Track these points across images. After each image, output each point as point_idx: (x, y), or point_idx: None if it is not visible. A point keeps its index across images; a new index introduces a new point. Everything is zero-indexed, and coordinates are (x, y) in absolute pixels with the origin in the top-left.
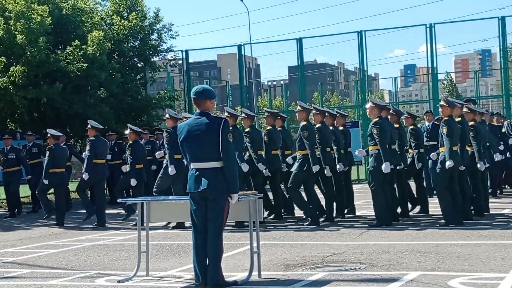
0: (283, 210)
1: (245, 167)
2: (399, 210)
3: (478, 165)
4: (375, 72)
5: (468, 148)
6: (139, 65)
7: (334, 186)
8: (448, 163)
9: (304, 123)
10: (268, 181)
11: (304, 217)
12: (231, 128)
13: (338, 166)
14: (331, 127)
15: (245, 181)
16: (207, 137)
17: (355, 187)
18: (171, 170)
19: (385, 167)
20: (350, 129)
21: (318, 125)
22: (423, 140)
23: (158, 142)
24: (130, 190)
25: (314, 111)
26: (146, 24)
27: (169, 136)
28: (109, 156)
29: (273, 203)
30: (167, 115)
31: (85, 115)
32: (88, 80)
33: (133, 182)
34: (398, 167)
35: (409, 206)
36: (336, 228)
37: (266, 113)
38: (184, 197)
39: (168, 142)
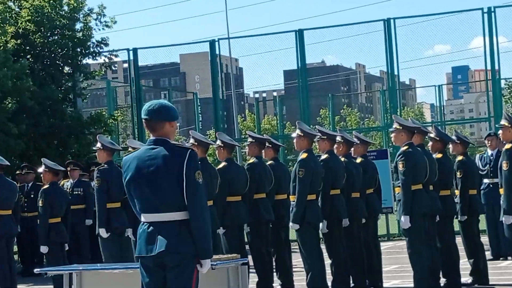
0: (280, 282)
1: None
2: (443, 280)
3: None
4: (410, 78)
5: None
6: (65, 71)
7: (344, 248)
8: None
9: (304, 155)
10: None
11: None
12: (200, 162)
13: (343, 221)
14: (344, 159)
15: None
16: (166, 176)
17: (384, 246)
18: (102, 231)
19: (404, 221)
20: (375, 161)
21: (324, 157)
22: (476, 177)
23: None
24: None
25: (319, 136)
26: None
27: (101, 178)
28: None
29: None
30: (98, 145)
31: None
32: None
33: (43, 249)
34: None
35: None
36: None
37: (250, 139)
38: (132, 265)
39: (98, 186)
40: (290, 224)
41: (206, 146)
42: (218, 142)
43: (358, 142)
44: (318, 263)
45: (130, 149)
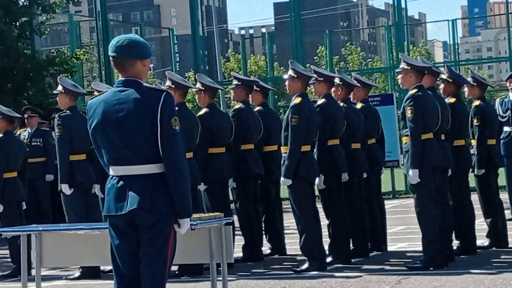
0: (270, 245)
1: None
2: (456, 242)
3: None
4: (419, 12)
5: None
6: (21, 3)
7: (343, 207)
8: None
9: (298, 100)
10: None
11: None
12: (177, 108)
13: (343, 176)
14: (342, 104)
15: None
16: (137, 122)
17: (388, 204)
18: (64, 187)
19: (412, 175)
20: (379, 107)
21: (320, 102)
22: (495, 125)
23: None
24: None
25: (315, 78)
26: None
27: (63, 125)
28: None
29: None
30: (59, 88)
31: None
32: None
33: None
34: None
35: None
36: (356, 273)
37: (235, 82)
38: (99, 225)
39: (60, 135)
40: (282, 179)
41: (184, 89)
42: (198, 85)
43: (359, 85)
44: (313, 224)
45: (96, 92)
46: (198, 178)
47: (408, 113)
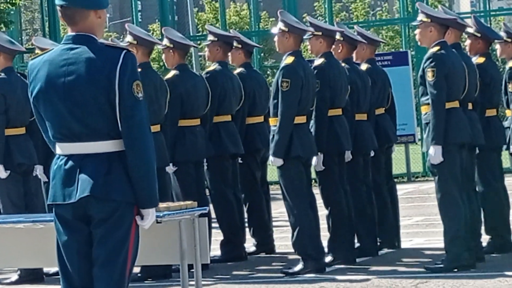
0: (255, 241)
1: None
2: (486, 237)
3: None
4: None
5: None
6: None
7: (346, 193)
8: None
9: (290, 59)
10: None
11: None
12: (140, 69)
13: (346, 154)
14: (345, 65)
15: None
16: (90, 88)
17: (401, 190)
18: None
19: (434, 153)
20: (390, 68)
21: (318, 62)
22: None
23: None
24: None
25: (311, 33)
26: None
27: None
28: None
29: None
30: None
31: None
32: None
33: None
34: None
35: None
36: (362, 276)
37: (210, 38)
38: (42, 216)
39: None
40: (270, 159)
41: (148, 46)
42: (166, 41)
43: (364, 41)
44: (308, 215)
45: (37, 50)
46: (166, 158)
47: (429, 76)
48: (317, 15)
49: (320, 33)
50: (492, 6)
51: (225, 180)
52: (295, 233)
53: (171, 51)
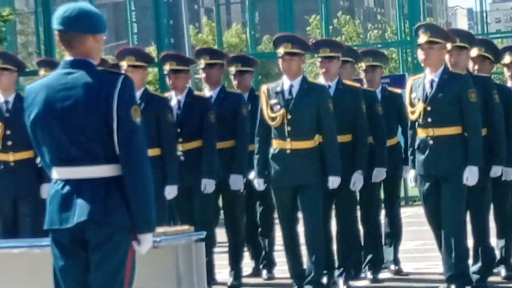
0: (259, 263)
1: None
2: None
3: None
4: None
5: None
6: None
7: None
8: None
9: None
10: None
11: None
12: (141, 90)
13: (352, 182)
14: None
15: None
16: (88, 113)
17: (405, 212)
18: None
19: (475, 173)
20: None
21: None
22: None
23: None
24: None
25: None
26: None
27: None
28: None
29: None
30: None
31: None
32: None
33: None
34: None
35: None
36: None
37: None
38: (38, 241)
39: None
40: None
41: (143, 69)
42: (167, 65)
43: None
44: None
45: (41, 72)
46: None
47: (473, 98)
48: (311, 37)
49: (336, 51)
50: (490, 28)
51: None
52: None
53: (179, 74)
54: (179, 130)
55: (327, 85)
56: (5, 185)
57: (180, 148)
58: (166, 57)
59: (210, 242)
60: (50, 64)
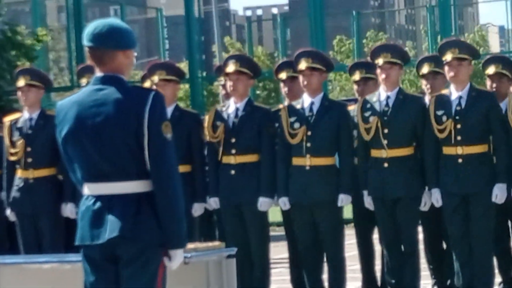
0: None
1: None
2: None
3: None
4: None
5: None
6: None
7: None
8: None
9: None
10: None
11: None
12: (173, 106)
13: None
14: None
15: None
16: (118, 129)
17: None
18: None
19: (504, 191)
20: None
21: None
22: None
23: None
24: None
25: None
26: None
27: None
28: None
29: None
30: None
31: None
32: None
33: None
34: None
35: None
36: None
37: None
38: (69, 257)
39: None
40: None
41: (175, 84)
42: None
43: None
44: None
45: (77, 89)
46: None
47: (500, 116)
48: (339, 53)
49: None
50: None
51: None
52: None
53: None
54: None
55: (386, 96)
56: (24, 202)
57: None
58: (155, 67)
59: None
60: (92, 70)
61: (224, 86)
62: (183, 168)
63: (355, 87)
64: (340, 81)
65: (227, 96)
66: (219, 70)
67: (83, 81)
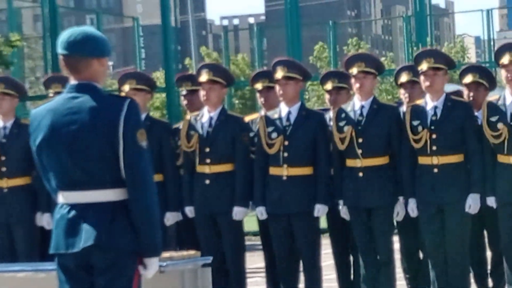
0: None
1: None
2: None
3: None
4: (446, 0)
5: None
6: None
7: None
8: None
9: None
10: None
11: None
12: (144, 115)
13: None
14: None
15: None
16: (93, 137)
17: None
18: None
19: (477, 201)
20: None
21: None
22: None
23: None
24: None
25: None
26: None
27: None
28: None
29: None
30: None
31: None
32: None
33: None
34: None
35: None
36: None
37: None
38: (44, 265)
39: None
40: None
41: (147, 93)
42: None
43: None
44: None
45: (51, 94)
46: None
47: (475, 126)
48: (318, 63)
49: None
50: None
51: None
52: None
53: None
54: None
55: (360, 105)
56: None
57: None
58: (125, 76)
59: None
60: (59, 80)
61: (185, 96)
62: (155, 178)
63: (327, 96)
64: (317, 91)
65: (189, 106)
66: (180, 80)
67: (50, 91)
